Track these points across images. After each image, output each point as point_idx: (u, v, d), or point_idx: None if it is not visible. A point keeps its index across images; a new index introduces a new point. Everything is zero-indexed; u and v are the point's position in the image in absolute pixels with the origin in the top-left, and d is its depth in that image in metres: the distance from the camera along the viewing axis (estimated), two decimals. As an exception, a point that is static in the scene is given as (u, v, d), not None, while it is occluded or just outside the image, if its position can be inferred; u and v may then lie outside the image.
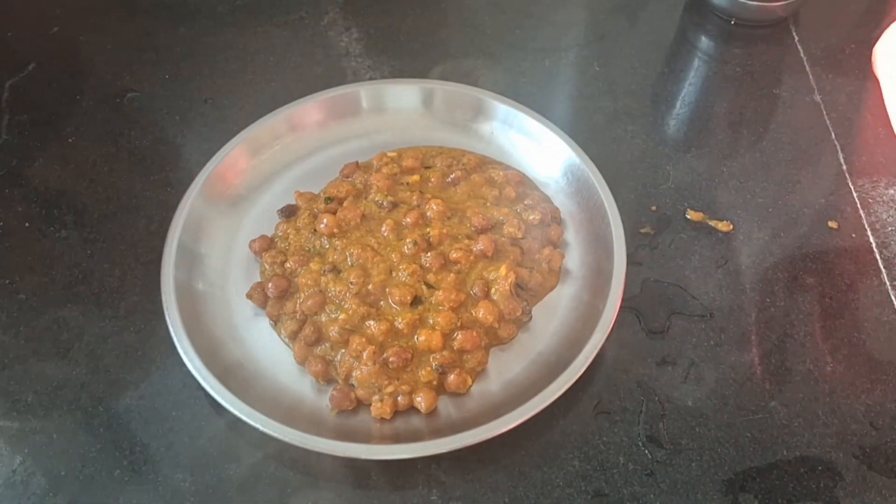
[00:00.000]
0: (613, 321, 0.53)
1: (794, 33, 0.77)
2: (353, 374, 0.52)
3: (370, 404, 0.52)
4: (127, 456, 0.51)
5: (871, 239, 0.61)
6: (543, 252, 0.59)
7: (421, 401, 0.51)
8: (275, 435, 0.49)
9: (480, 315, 0.55)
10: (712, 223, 0.63)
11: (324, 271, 0.57)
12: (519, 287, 0.57)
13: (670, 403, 0.53)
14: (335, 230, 0.59)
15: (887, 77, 0.65)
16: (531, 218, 0.60)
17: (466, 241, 0.58)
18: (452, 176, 0.63)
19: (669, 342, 0.56)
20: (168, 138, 0.69)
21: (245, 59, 0.76)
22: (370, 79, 0.73)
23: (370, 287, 0.55)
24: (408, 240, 0.57)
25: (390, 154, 0.65)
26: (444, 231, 0.58)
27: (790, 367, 0.55)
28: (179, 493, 0.49)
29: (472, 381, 0.53)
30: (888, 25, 0.68)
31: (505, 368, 0.54)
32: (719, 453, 0.51)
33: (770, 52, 0.76)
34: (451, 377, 0.53)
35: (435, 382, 0.52)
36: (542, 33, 0.79)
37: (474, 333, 0.54)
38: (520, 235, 0.59)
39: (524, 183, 0.64)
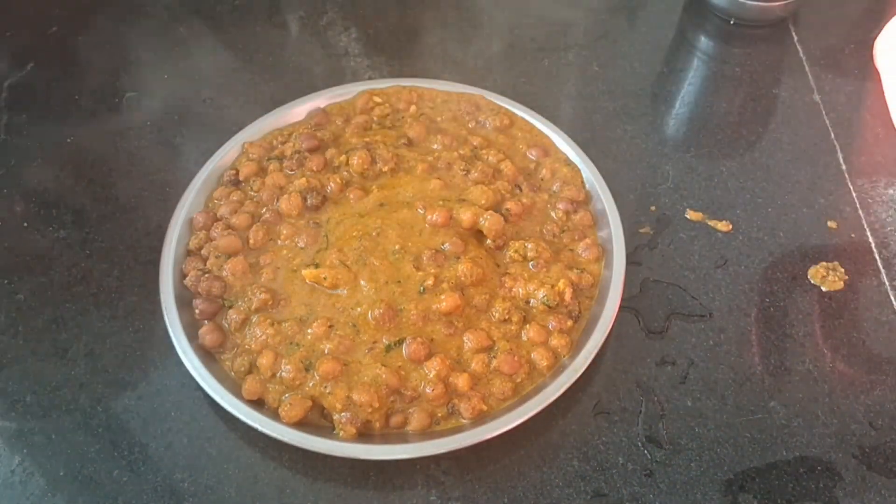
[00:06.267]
0: (613, 321, 0.53)
1: (794, 33, 0.77)
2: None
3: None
4: (126, 456, 0.51)
5: (871, 239, 0.61)
6: (580, 246, 0.58)
7: (415, 422, 0.50)
8: (273, 435, 0.49)
9: (530, 336, 0.53)
10: (711, 223, 0.62)
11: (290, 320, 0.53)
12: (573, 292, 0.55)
13: (669, 403, 0.53)
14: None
15: (887, 70, 0.65)
16: (555, 215, 0.60)
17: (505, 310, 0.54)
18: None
19: (669, 342, 0.56)
20: (166, 138, 0.69)
21: (244, 59, 0.76)
22: (369, 78, 0.73)
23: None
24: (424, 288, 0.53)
25: (377, 97, 0.62)
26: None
27: (789, 367, 0.55)
28: (178, 493, 0.49)
29: (487, 409, 0.51)
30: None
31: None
32: (718, 453, 0.51)
33: (769, 52, 0.76)
34: (463, 406, 0.50)
35: (441, 416, 0.50)
36: (542, 33, 0.78)
37: (515, 358, 0.52)
38: (555, 238, 0.58)
39: (549, 153, 0.63)
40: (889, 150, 0.67)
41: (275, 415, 0.50)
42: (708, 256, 0.61)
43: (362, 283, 0.54)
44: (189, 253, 0.58)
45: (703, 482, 0.49)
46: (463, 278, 0.54)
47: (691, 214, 0.63)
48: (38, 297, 0.58)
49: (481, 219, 0.57)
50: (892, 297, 0.58)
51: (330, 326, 0.52)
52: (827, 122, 0.69)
